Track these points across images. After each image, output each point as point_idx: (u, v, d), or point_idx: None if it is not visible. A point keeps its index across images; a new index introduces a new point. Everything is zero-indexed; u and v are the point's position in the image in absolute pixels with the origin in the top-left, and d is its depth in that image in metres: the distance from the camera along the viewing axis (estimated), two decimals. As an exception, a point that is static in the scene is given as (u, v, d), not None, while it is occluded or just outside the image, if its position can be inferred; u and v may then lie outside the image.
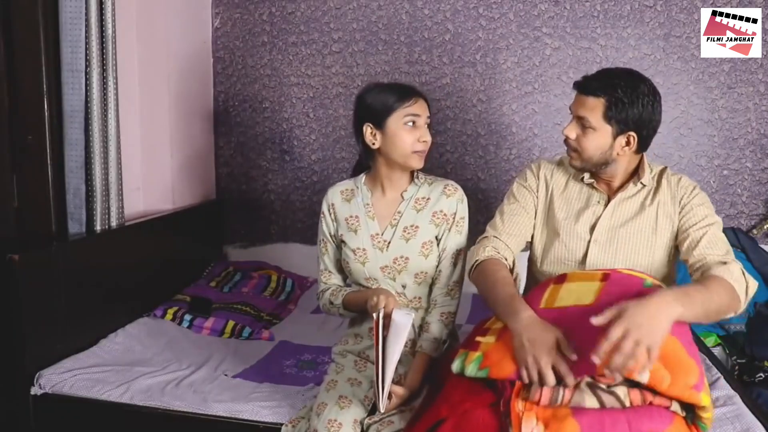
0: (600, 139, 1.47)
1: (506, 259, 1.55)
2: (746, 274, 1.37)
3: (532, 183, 1.65)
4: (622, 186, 1.55)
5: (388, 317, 1.40)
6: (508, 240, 1.59)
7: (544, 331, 1.24)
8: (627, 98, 1.42)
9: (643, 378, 1.15)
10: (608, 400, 1.18)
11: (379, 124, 1.59)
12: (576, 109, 1.49)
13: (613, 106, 1.43)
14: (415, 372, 1.55)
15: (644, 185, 1.54)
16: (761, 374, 2.03)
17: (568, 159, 1.57)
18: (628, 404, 1.18)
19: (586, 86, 1.48)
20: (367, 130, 1.61)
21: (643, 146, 1.50)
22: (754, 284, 1.37)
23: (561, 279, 1.44)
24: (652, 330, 1.10)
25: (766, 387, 1.97)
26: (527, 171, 1.68)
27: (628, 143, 1.47)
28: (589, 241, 1.54)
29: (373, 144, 1.61)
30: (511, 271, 1.54)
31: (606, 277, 1.37)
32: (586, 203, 1.58)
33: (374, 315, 1.39)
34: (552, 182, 1.64)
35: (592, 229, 1.54)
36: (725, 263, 1.37)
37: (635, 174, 1.54)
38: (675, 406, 1.20)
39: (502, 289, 1.41)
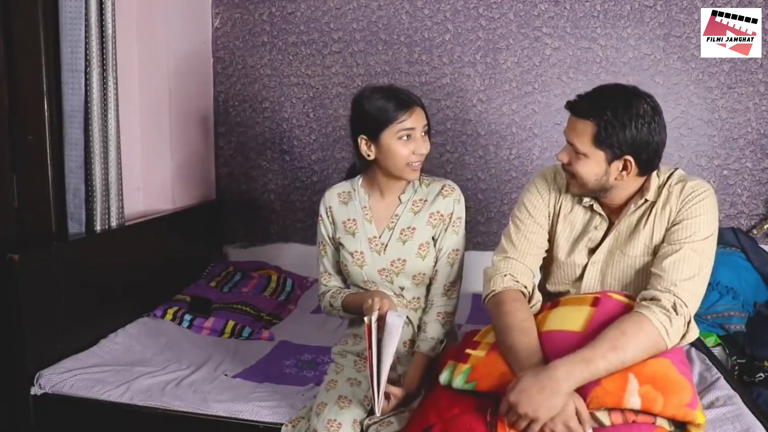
0: (593, 165, 1.36)
1: (526, 287, 1.46)
2: (691, 324, 1.28)
3: (545, 194, 1.54)
4: (626, 205, 1.44)
5: (382, 319, 1.39)
6: (526, 259, 1.50)
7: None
8: (617, 121, 1.31)
9: (634, 404, 1.16)
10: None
11: (373, 137, 1.56)
12: (566, 133, 1.40)
13: (603, 130, 1.32)
14: (414, 372, 1.56)
15: (648, 200, 1.42)
16: (761, 374, 2.02)
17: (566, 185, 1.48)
18: (609, 424, 1.18)
19: (575, 107, 1.38)
20: (362, 142, 1.59)
21: (645, 169, 1.38)
22: (693, 335, 1.29)
23: (554, 305, 1.42)
24: (533, 406, 1.15)
25: (766, 387, 1.97)
26: (540, 180, 1.56)
27: (625, 168, 1.36)
28: (586, 265, 1.48)
29: (369, 156, 1.59)
30: (530, 298, 1.46)
31: (596, 301, 1.33)
32: (585, 228, 1.49)
33: (366, 318, 1.38)
34: (561, 199, 1.53)
35: (591, 252, 1.48)
36: (675, 311, 1.25)
37: (640, 191, 1.43)
38: (661, 422, 1.19)
39: (519, 338, 1.31)
